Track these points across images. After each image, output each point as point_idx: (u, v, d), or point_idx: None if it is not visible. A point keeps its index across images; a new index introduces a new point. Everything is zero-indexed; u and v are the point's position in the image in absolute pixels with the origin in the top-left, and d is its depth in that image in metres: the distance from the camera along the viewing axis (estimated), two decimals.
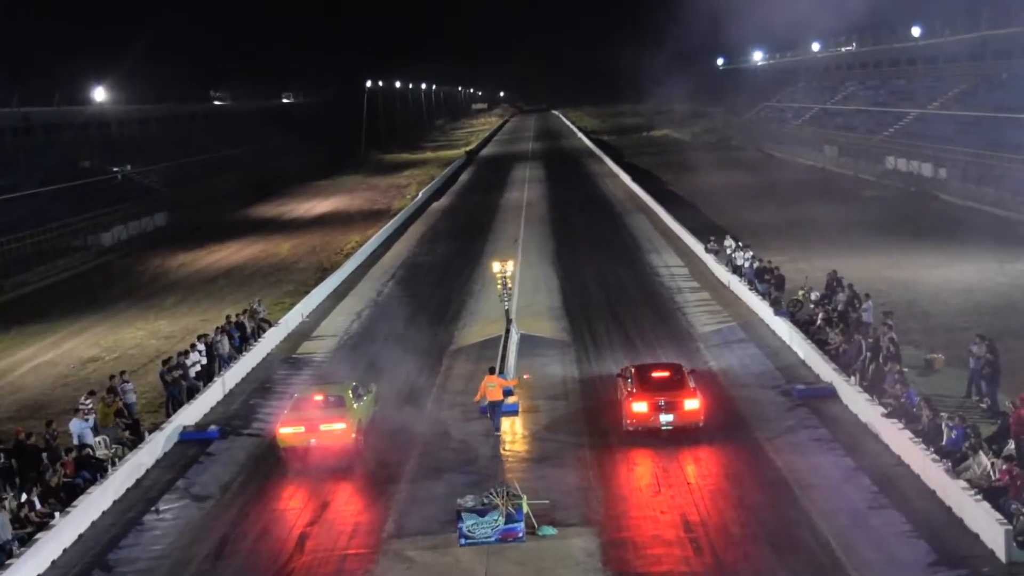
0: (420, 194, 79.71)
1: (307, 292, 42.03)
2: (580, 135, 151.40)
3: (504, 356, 28.87)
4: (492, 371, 24.81)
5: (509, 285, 32.71)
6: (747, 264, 37.95)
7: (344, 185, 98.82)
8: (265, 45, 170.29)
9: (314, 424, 23.30)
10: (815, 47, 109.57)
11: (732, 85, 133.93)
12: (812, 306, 31.59)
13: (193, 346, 30.04)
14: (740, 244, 40.34)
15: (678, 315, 35.66)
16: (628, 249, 49.62)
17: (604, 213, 64.56)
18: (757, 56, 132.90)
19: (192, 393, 28.07)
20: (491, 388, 24.41)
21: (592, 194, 76.10)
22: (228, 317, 34.02)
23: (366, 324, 37.63)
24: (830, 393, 25.44)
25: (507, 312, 32.67)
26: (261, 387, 30.42)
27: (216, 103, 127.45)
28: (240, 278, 50.21)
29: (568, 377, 29.08)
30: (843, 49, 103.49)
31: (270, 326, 35.63)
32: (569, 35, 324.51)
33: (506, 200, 75.65)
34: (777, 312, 32.05)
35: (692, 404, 23.31)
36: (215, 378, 29.64)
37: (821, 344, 28.32)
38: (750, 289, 36.07)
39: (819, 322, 29.83)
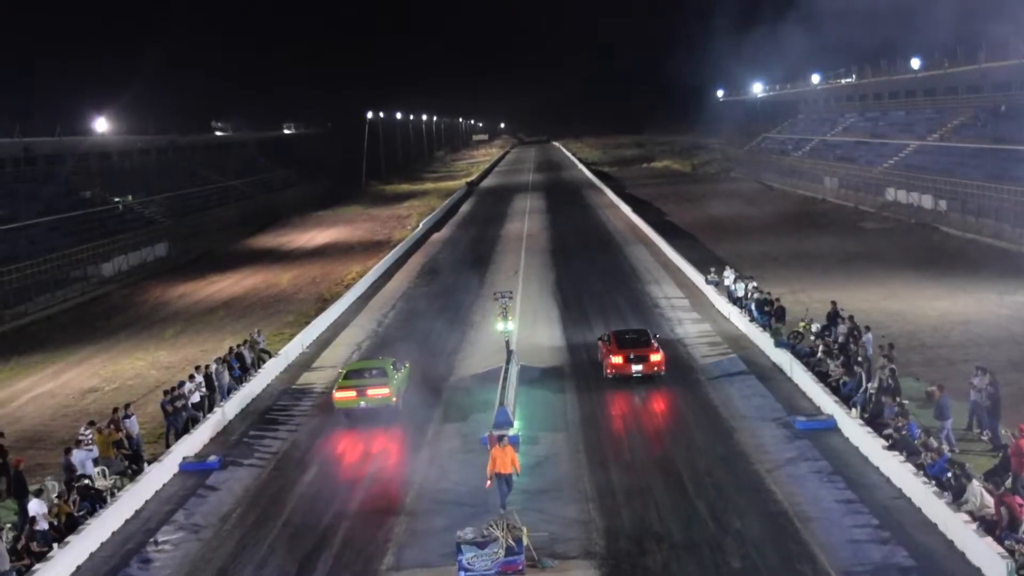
0: (421, 225, 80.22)
1: (307, 323, 42.20)
2: (580, 166, 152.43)
3: (504, 387, 28.98)
4: (501, 439, 22.13)
5: (510, 316, 32.87)
6: (747, 295, 38.01)
7: (344, 216, 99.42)
8: (266, 77, 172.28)
9: (363, 390, 28.62)
10: (815, 79, 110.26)
11: (732, 117, 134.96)
12: (813, 338, 31.63)
13: (192, 377, 30.09)
14: (740, 275, 40.45)
15: (678, 347, 35.56)
16: (628, 280, 49.75)
17: (604, 244, 64.91)
18: (757, 88, 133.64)
19: (192, 424, 28.09)
20: (501, 460, 21.73)
21: (592, 225, 76.52)
22: (231, 348, 34.16)
23: (366, 355, 37.52)
24: (831, 425, 25.47)
25: (507, 343, 32.73)
26: (261, 418, 30.48)
27: (217, 134, 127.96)
28: (240, 309, 50.33)
29: (568, 408, 29.09)
30: (843, 81, 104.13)
31: (270, 357, 35.73)
32: (570, 67, 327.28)
33: (507, 231, 76.08)
34: (778, 343, 32.02)
35: (656, 357, 30.99)
36: (215, 408, 29.71)
37: (822, 376, 28.39)
38: (750, 320, 36.14)
39: (820, 354, 29.90)
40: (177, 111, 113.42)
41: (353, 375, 29.61)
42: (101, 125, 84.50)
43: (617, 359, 31.15)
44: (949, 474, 20.12)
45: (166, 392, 28.59)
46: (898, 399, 24.61)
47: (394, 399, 28.88)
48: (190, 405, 28.69)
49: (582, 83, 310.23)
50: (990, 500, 18.80)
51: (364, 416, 28.60)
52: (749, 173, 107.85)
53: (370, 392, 28.71)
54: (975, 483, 19.34)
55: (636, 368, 30.84)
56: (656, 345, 31.65)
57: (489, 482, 21.41)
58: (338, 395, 29.04)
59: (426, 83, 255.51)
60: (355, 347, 39.24)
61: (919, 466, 21.09)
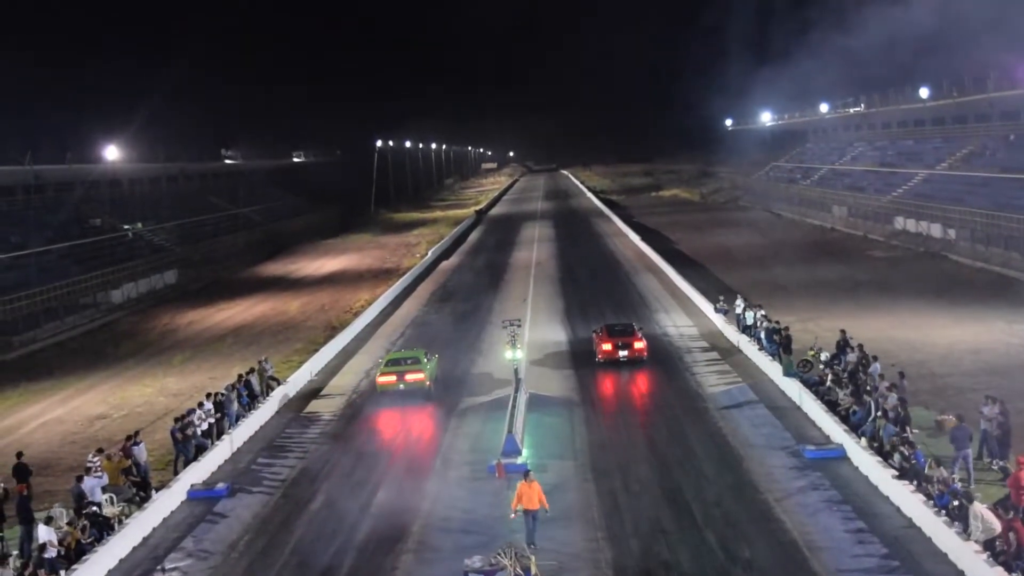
0: (429, 253, 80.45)
1: (316, 350, 42.30)
2: (589, 194, 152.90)
3: (512, 415, 28.85)
4: (527, 475, 21.69)
5: (518, 344, 33.01)
6: (757, 324, 38.03)
7: (354, 244, 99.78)
8: (276, 105, 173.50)
9: (402, 375, 34.31)
10: (823, 108, 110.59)
11: (741, 145, 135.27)
12: (822, 366, 31.56)
13: (201, 404, 30.17)
14: (750, 304, 40.49)
15: (687, 375, 35.68)
16: (637, 308, 49.77)
17: (613, 272, 64.98)
18: (766, 117, 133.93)
19: (200, 451, 28.17)
20: (527, 496, 21.26)
21: (601, 253, 76.63)
22: (240, 375, 34.33)
23: (375, 383, 37.60)
24: (840, 454, 25.44)
25: (516, 371, 32.81)
26: (269, 445, 30.56)
27: (227, 162, 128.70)
28: (249, 336, 50.45)
29: (577, 437, 29.06)
30: (851, 110, 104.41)
31: (278, 384, 35.83)
32: (579, 96, 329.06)
33: (515, 259, 76.18)
34: (787, 372, 32.04)
35: (639, 344, 37.79)
36: (223, 436, 29.79)
37: (831, 405, 28.35)
38: (760, 349, 36.17)
39: (829, 383, 29.86)
40: (187, 139, 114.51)
41: (393, 363, 35.34)
42: (111, 153, 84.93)
43: (607, 346, 37.87)
44: (955, 503, 20.05)
45: (177, 419, 28.68)
46: (906, 428, 24.53)
47: (428, 383, 34.52)
48: (199, 433, 28.73)
49: (591, 112, 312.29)
50: (992, 518, 18.76)
51: (404, 395, 34.13)
52: (758, 201, 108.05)
53: (408, 377, 34.28)
54: (976, 504, 19.30)
55: (622, 353, 37.66)
56: (640, 335, 38.48)
57: (514, 515, 21.20)
58: (381, 379, 34.65)
59: (435, 111, 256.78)
60: (363, 374, 39.27)
61: (928, 495, 21.03)
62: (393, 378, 34.42)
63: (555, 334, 44.75)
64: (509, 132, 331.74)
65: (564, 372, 37.54)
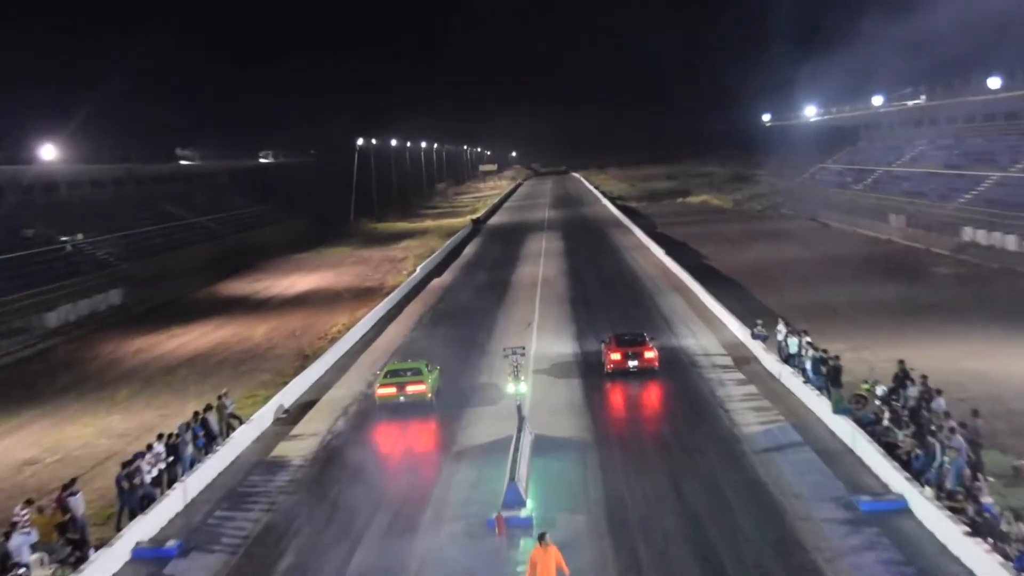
0: (418, 269, 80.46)
1: (285, 383, 42.08)
2: (604, 201, 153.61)
3: (515, 460, 28.70)
4: (543, 538, 21.21)
5: (522, 377, 33.05)
6: (801, 352, 37.85)
7: (330, 258, 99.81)
8: (242, 97, 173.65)
9: (403, 386, 37.64)
10: (877, 100, 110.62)
11: (781, 144, 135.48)
12: (878, 402, 31.34)
13: (150, 447, 29.94)
14: (793, 329, 40.36)
15: (719, 412, 35.55)
16: (661, 333, 49.44)
17: (633, 292, 64.92)
18: (810, 111, 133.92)
19: (148, 502, 27.90)
20: (543, 565, 20.91)
21: (619, 270, 76.65)
22: (195, 413, 34.09)
23: (354, 422, 37.61)
24: (901, 506, 25.27)
25: (519, 408, 32.63)
26: (229, 495, 30.29)
27: (183, 163, 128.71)
28: (206, 367, 50.25)
29: (591, 486, 28.90)
30: (910, 103, 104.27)
31: (240, 423, 35.67)
32: (594, 89, 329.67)
33: (519, 276, 76.20)
34: (837, 409, 31.83)
35: (649, 354, 40.98)
36: (176, 484, 29.55)
37: (889, 448, 28.12)
38: (804, 382, 36.02)
39: (886, 421, 29.67)
40: (137, 137, 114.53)
41: (393, 374, 38.53)
42: (48, 152, 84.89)
43: (616, 355, 40.86)
44: None
45: (123, 465, 28.44)
46: (980, 475, 24.27)
47: (430, 395, 37.82)
48: (147, 480, 28.49)
49: (607, 106, 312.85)
50: None
51: (404, 408, 37.42)
52: (801, 209, 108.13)
53: (409, 389, 37.59)
54: None
55: (632, 363, 40.71)
56: (651, 344, 41.84)
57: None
58: (380, 391, 37.89)
59: (425, 105, 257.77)
60: (341, 411, 39.26)
61: (1006, 556, 20.82)
62: (393, 390, 37.65)
63: (565, 364, 44.63)
64: (512, 129, 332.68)
65: (575, 408, 37.37)
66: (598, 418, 35.94)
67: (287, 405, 40.06)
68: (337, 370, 46.87)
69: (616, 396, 39.11)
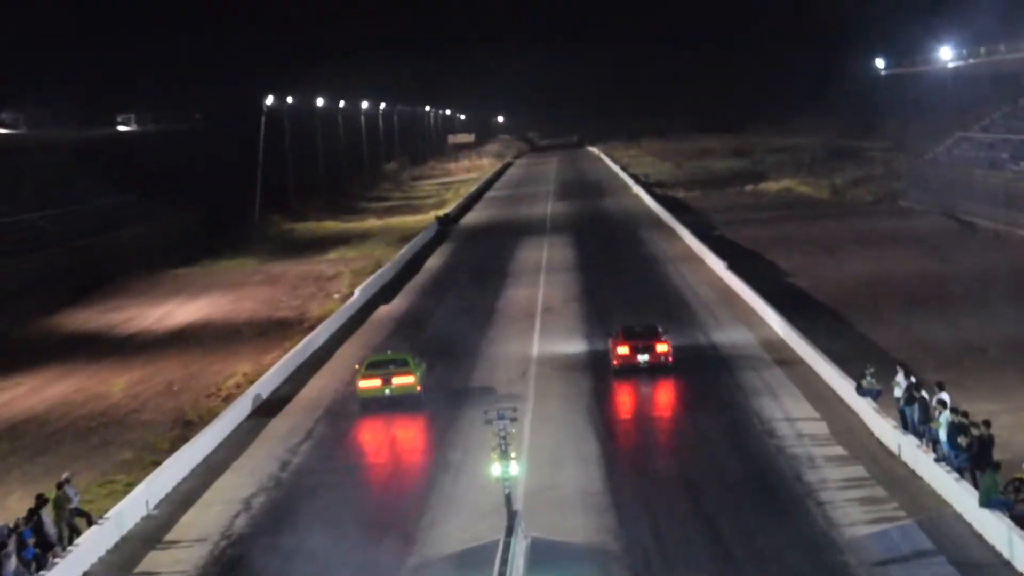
0: (357, 292, 68.75)
1: (157, 464, 35.83)
2: (636, 188, 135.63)
3: None
4: None
5: (512, 452, 27.70)
6: (932, 415, 31.48)
7: (226, 275, 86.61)
8: (89, 36, 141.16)
9: (388, 378, 39.19)
10: None
11: (901, 102, 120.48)
12: None
13: None
14: (920, 381, 33.87)
15: (808, 505, 29.73)
16: (721, 388, 41.54)
17: (680, 324, 53.26)
18: (945, 54, 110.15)
19: None
20: None
21: (657, 293, 64.65)
22: (30, 511, 28.81)
23: (260, 521, 31.42)
24: None
25: (508, 497, 27.90)
26: None
27: (0, 131, 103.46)
28: (38, 439, 42.12)
29: None
30: None
31: (90, 524, 30.47)
32: (620, 25, 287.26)
33: (508, 302, 65.09)
34: (986, 501, 27.10)
35: (661, 347, 41.81)
36: None
37: None
38: (938, 460, 30.21)
39: None
40: None
41: (376, 366, 39.90)
42: None
43: (623, 349, 41.40)
44: None
45: None
46: None
47: (418, 388, 39.16)
48: None
49: (640, 47, 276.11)
50: None
51: (390, 404, 38.89)
52: (932, 200, 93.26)
53: (395, 381, 38.78)
54: None
55: (642, 358, 41.17)
56: (664, 338, 42.11)
57: None
58: (363, 384, 39.06)
59: (369, 46, 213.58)
60: (240, 505, 32.70)
61: None
62: (378, 382, 38.96)
63: (576, 432, 37.29)
64: (499, 82, 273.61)
65: (591, 500, 30.95)
66: (623, 506, 30.00)
67: (158, 497, 33.87)
68: (235, 444, 39.18)
69: (651, 482, 32.03)
